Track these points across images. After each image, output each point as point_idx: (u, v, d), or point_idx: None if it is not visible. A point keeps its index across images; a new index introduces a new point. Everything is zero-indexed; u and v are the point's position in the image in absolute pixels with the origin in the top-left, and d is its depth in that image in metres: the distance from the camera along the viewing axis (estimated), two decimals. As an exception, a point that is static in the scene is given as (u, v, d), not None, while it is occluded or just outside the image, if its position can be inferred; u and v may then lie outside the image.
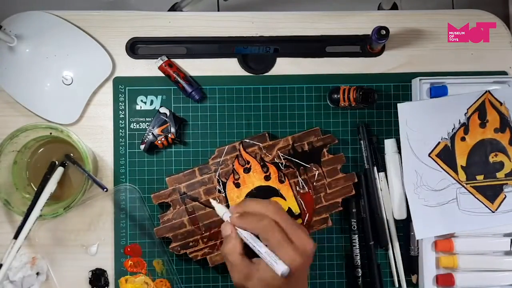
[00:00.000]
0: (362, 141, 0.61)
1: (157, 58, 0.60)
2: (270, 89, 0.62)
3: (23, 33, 0.58)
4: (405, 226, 0.61)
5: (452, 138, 0.60)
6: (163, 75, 0.61)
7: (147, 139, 0.59)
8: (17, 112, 0.60)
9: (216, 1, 1.30)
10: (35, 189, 0.57)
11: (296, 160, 0.59)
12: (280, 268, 0.43)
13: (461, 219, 0.59)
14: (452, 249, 0.59)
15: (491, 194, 0.60)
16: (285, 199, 0.58)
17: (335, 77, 0.62)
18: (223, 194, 0.58)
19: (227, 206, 0.57)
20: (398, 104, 0.60)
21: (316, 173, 0.59)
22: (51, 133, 0.56)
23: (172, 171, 0.60)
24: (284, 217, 0.47)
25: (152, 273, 0.59)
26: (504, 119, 0.60)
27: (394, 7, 1.17)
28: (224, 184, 0.58)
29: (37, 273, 0.58)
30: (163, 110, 0.60)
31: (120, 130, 0.61)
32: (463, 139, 0.60)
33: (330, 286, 0.61)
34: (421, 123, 0.60)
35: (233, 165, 0.58)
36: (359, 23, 0.63)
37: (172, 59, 0.61)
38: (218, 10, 1.30)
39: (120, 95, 0.61)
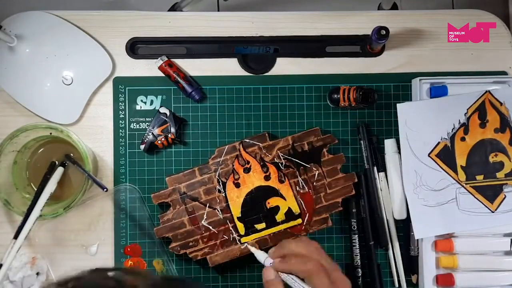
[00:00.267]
0: (362, 141, 0.61)
1: (157, 58, 0.60)
2: (270, 89, 0.62)
3: (23, 33, 0.58)
4: (405, 226, 0.61)
5: (452, 138, 0.60)
6: (163, 75, 0.61)
7: (147, 139, 0.59)
8: (17, 112, 0.60)
9: (216, 1, 1.30)
10: (35, 189, 0.57)
11: (296, 160, 0.59)
12: None
13: (461, 219, 0.59)
14: (452, 249, 0.59)
15: (491, 194, 0.59)
16: (285, 199, 0.58)
17: (335, 77, 0.62)
18: (223, 194, 0.58)
19: (227, 206, 0.57)
20: (398, 104, 0.60)
21: (316, 173, 0.59)
22: (51, 133, 0.57)
23: (172, 171, 0.60)
24: (325, 257, 0.48)
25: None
26: (504, 119, 0.60)
27: (394, 7, 1.16)
28: (224, 184, 0.58)
29: (37, 273, 0.58)
30: (163, 110, 0.60)
31: (120, 130, 0.61)
32: (463, 139, 0.60)
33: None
34: (421, 123, 0.60)
35: (233, 165, 0.58)
36: (359, 23, 0.63)
37: (172, 59, 0.61)
38: (218, 10, 1.30)
39: (120, 95, 0.61)
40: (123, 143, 0.61)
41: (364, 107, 0.62)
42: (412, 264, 0.61)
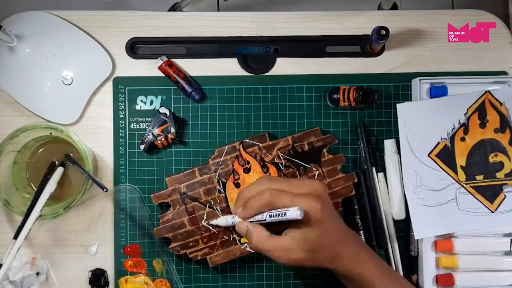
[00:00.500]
0: (360, 142, 0.61)
1: (157, 58, 0.60)
2: (270, 89, 0.62)
3: (23, 33, 0.58)
4: (404, 226, 0.61)
5: (452, 138, 0.60)
6: (163, 75, 0.61)
7: (147, 139, 0.59)
8: (17, 112, 0.60)
9: (216, 1, 1.30)
10: (35, 189, 0.57)
11: (296, 160, 0.59)
12: (293, 213, 0.42)
13: (461, 219, 0.59)
14: (452, 249, 0.59)
15: (490, 194, 0.60)
16: (285, 199, 0.58)
17: (335, 77, 0.62)
18: (223, 194, 0.58)
19: (227, 206, 0.57)
20: (398, 105, 0.60)
21: (316, 173, 0.59)
22: (51, 133, 0.56)
23: (172, 171, 0.60)
24: (279, 180, 0.47)
25: (152, 273, 0.59)
26: (504, 119, 0.60)
27: (394, 7, 1.16)
28: (224, 184, 0.58)
29: (37, 273, 0.58)
30: (163, 110, 0.60)
31: (120, 130, 0.61)
32: (463, 139, 0.60)
33: (330, 286, 0.61)
34: (421, 123, 0.60)
35: (233, 165, 0.58)
36: (359, 23, 0.63)
37: (172, 59, 0.61)
38: (218, 10, 1.30)
39: (120, 95, 0.61)
40: (123, 143, 0.61)
41: (364, 107, 0.62)
42: (412, 264, 0.61)
